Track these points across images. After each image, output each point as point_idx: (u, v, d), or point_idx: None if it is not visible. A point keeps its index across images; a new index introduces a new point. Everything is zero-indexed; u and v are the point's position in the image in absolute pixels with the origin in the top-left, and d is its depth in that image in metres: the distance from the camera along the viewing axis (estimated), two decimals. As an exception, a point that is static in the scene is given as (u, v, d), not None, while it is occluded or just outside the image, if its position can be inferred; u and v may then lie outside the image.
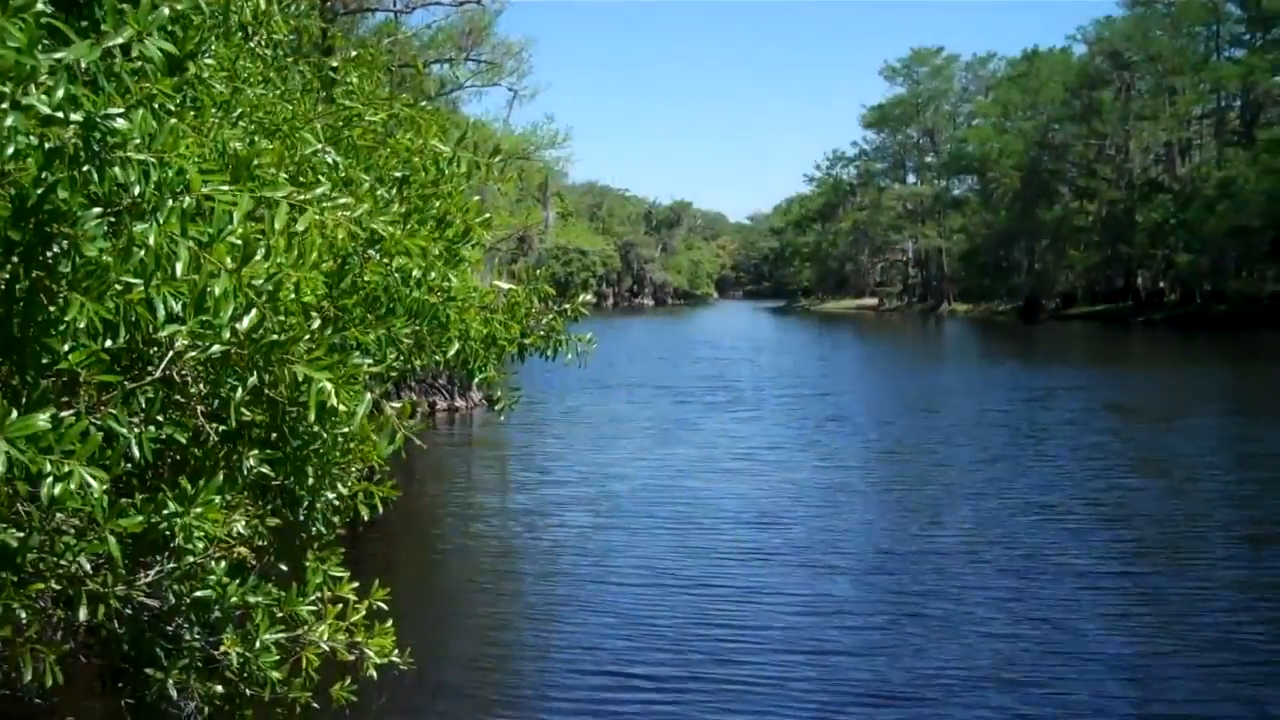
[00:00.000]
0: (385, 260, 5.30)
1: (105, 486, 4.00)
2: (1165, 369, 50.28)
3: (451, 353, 6.48)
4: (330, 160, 6.40)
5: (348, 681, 6.10)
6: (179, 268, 4.04)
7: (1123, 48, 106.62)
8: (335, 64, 7.51)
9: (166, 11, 4.22)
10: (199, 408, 5.17)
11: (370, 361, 5.00)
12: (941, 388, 40.39)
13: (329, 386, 4.44)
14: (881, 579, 14.91)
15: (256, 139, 6.22)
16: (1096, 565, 15.34)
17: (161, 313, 4.13)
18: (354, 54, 7.63)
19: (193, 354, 4.57)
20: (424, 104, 7.61)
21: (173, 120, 4.41)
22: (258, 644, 5.42)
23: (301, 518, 5.90)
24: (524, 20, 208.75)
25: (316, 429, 5.18)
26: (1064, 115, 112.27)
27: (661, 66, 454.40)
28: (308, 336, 4.56)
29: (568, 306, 7.11)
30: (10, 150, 3.77)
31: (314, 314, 4.89)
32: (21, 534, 4.52)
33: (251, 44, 7.35)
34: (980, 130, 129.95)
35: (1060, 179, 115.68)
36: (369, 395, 4.74)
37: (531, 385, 37.55)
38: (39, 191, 3.99)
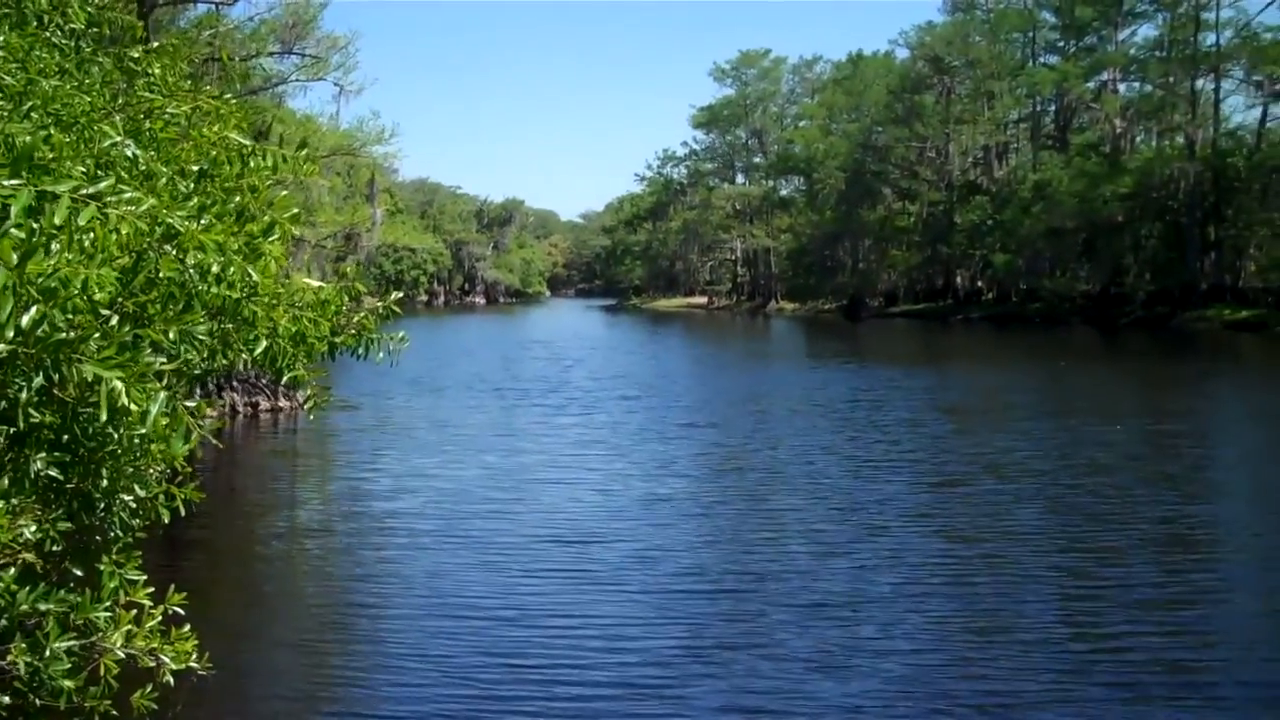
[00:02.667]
0: (181, 256, 5.17)
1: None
2: (986, 366, 51.94)
3: (259, 350, 6.36)
4: (130, 154, 6.23)
5: (149, 689, 5.94)
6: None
7: (943, 53, 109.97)
8: (136, 55, 7.29)
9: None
10: (-14, 409, 4.98)
11: (164, 359, 4.87)
12: (772, 388, 40.75)
13: (120, 386, 4.33)
14: (699, 604, 13.94)
15: (52, 132, 6.02)
16: (926, 583, 14.54)
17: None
18: (155, 45, 7.43)
19: (-24, 353, 4.40)
20: (230, 96, 7.44)
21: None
22: (48, 652, 5.24)
23: (98, 521, 5.74)
24: (350, 15, 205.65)
25: (109, 430, 5.04)
26: (887, 118, 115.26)
27: (493, 64, 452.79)
28: (98, 334, 4.43)
29: (379, 304, 7.03)
30: None
31: (106, 311, 4.75)
32: None
33: (47, 34, 7.12)
34: (806, 132, 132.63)
35: (883, 180, 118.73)
36: (163, 394, 4.63)
37: (361, 387, 37.00)
38: None
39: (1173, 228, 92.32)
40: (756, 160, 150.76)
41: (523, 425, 30.82)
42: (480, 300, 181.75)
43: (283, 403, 34.52)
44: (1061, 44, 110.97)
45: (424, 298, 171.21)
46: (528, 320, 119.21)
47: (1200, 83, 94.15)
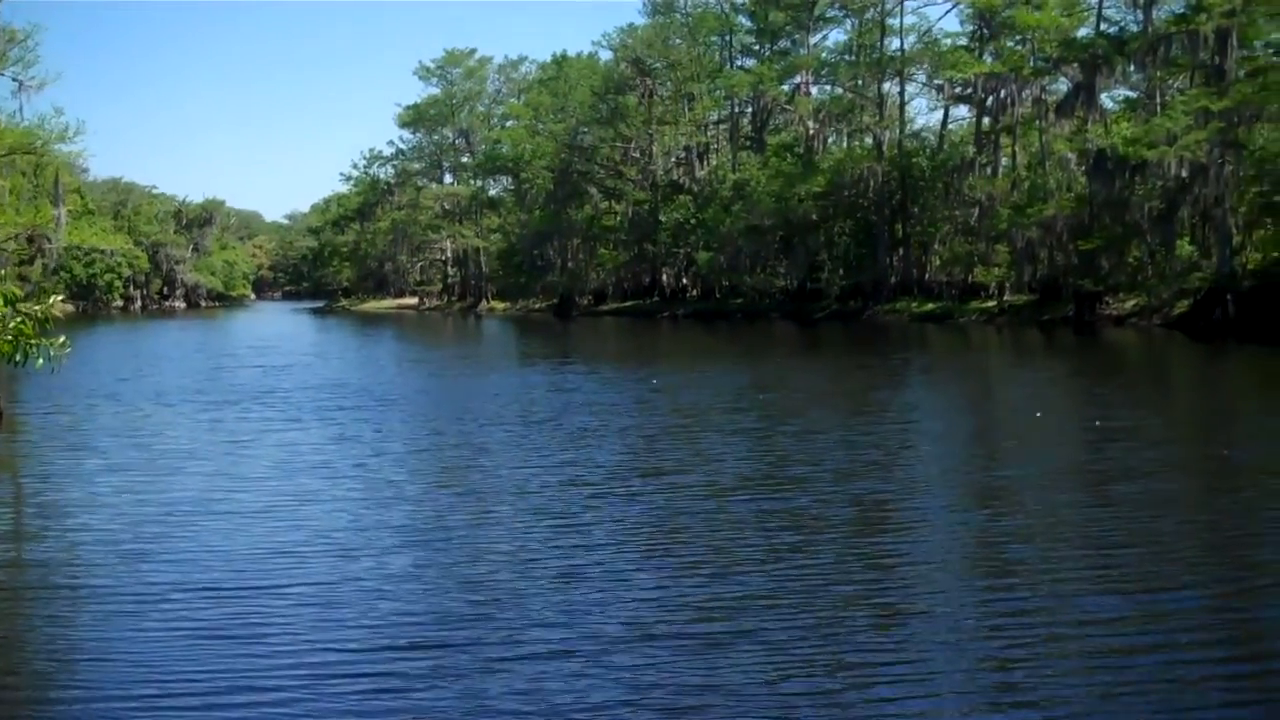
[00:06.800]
0: None
1: None
2: (698, 364, 52.22)
3: (-98, 361, 5.94)
4: None
5: None
6: None
7: (644, 55, 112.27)
8: None
9: None
10: None
11: None
12: (486, 395, 38.81)
13: None
14: (388, 661, 11.37)
15: None
16: (641, 623, 12.51)
17: None
18: None
19: None
20: None
21: None
22: None
23: None
24: (30, 7, 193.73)
25: None
26: (592, 119, 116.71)
27: (190, 60, 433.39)
28: None
29: (37, 309, 6.67)
30: None
31: None
32: None
33: None
34: (513, 131, 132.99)
35: (590, 180, 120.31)
36: None
37: (34, 400, 34.71)
38: None
39: (863, 225, 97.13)
40: (465, 160, 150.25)
41: (211, 444, 27.19)
42: (180, 304, 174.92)
43: (-41, 417, 32.35)
44: (757, 47, 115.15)
45: (119, 302, 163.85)
46: (232, 325, 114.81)
47: (887, 86, 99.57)
